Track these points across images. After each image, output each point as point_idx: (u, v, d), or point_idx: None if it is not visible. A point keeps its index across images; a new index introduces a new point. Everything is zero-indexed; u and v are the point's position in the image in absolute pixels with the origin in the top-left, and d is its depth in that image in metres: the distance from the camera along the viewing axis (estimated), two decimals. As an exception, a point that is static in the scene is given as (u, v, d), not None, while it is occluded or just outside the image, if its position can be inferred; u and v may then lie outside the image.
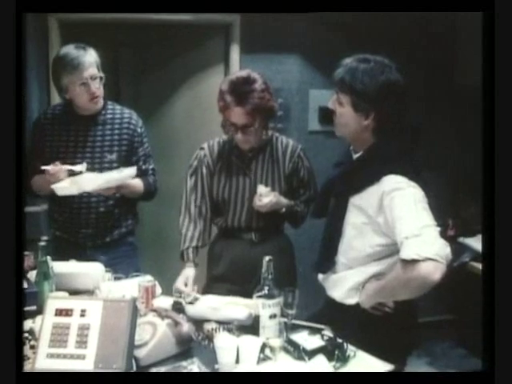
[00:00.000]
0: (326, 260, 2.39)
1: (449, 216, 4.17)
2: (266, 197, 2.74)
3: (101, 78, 2.98)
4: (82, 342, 1.94)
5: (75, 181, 2.83)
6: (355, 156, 2.37)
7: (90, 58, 2.93)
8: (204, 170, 2.94)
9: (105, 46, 4.33)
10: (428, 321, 4.13)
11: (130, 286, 2.54)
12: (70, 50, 2.93)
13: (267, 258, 2.21)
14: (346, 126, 2.30)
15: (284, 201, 2.85)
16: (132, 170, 2.99)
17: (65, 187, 2.82)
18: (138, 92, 4.82)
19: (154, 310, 2.27)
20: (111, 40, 4.44)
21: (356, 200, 2.28)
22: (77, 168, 2.88)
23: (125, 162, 3.06)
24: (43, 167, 2.84)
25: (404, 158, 2.24)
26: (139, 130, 3.15)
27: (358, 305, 2.29)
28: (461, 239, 4.06)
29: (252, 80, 2.71)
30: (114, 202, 3.10)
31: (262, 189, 2.76)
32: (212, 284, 2.98)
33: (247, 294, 2.51)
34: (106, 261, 2.89)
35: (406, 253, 2.03)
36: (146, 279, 2.54)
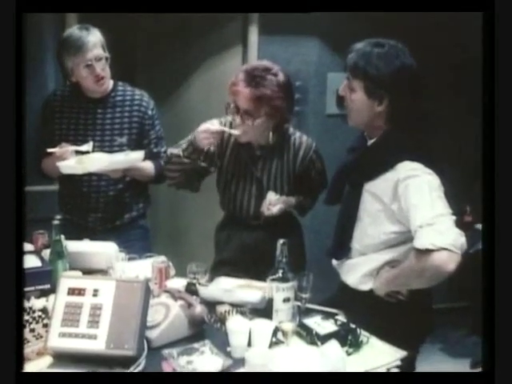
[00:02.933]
0: (340, 246, 2.38)
1: (466, 202, 4.12)
2: (275, 206, 2.70)
3: (106, 58, 2.93)
4: (94, 322, 1.94)
5: (81, 160, 2.82)
6: (369, 142, 2.33)
7: (93, 38, 2.87)
8: (212, 149, 2.83)
9: (121, 27, 4.39)
10: (443, 307, 4.10)
11: (144, 267, 2.54)
12: (73, 31, 2.89)
13: (281, 241, 2.19)
14: (359, 112, 2.27)
15: (292, 201, 2.82)
16: (139, 154, 2.96)
17: (70, 166, 2.81)
18: (154, 74, 4.83)
19: (167, 291, 2.26)
20: (128, 22, 4.38)
21: (371, 187, 2.25)
22: (83, 148, 2.86)
23: (135, 144, 3.03)
24: (50, 150, 2.82)
25: (419, 145, 2.21)
26: (150, 112, 3.10)
27: (371, 291, 2.27)
28: (478, 226, 4.01)
29: (274, 72, 2.63)
30: (124, 186, 3.08)
31: (271, 196, 2.72)
32: (219, 268, 2.93)
33: (253, 276, 2.52)
34: (117, 245, 2.85)
35: (420, 242, 2.01)
36: (160, 260, 2.54)
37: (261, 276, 2.36)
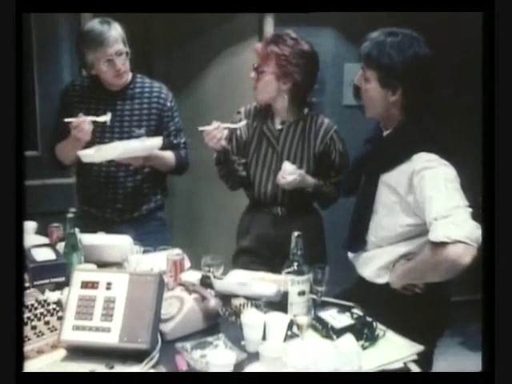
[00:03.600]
0: (356, 239, 2.35)
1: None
2: (290, 175, 2.67)
3: (127, 53, 2.92)
4: (107, 315, 1.93)
5: (99, 148, 2.83)
6: (385, 133, 2.30)
7: (114, 33, 2.86)
8: (239, 136, 2.94)
9: (137, 19, 4.37)
10: (462, 300, 4.06)
11: (159, 260, 2.53)
12: (95, 25, 2.87)
13: (296, 233, 2.16)
14: (373, 102, 2.24)
15: (311, 180, 2.79)
16: (157, 141, 2.94)
17: (89, 154, 2.81)
18: (170, 65, 4.85)
19: (182, 285, 2.24)
20: (143, 15, 4.37)
21: (386, 178, 2.22)
22: (101, 118, 2.86)
23: (154, 136, 3.01)
24: (67, 120, 2.79)
25: (435, 136, 2.18)
26: (169, 104, 3.10)
27: (387, 284, 2.24)
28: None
29: (296, 39, 2.74)
30: (143, 177, 3.07)
31: (287, 166, 2.70)
32: (239, 256, 2.99)
33: (272, 268, 2.53)
34: (135, 236, 2.85)
35: (435, 235, 1.97)
36: (175, 252, 2.52)
37: (279, 267, 2.33)
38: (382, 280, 2.25)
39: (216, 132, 2.70)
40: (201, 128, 2.70)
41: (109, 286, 1.99)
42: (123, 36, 2.91)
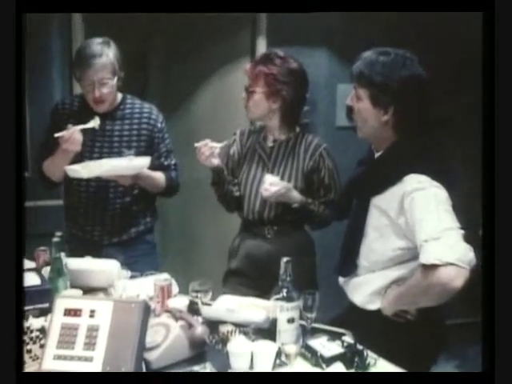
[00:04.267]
0: (347, 263, 2.30)
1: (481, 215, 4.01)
2: (273, 186, 2.64)
3: (118, 78, 2.88)
4: (90, 344, 1.88)
5: (86, 165, 2.78)
6: (376, 155, 2.27)
7: (105, 59, 2.80)
8: (231, 155, 2.96)
9: (131, 38, 4.37)
10: (458, 323, 4.01)
11: (146, 285, 2.47)
12: (91, 45, 2.82)
13: (285, 259, 2.11)
14: (365, 122, 2.21)
15: (297, 196, 2.74)
16: (144, 160, 2.89)
17: (76, 169, 2.75)
18: (163, 85, 4.86)
19: (168, 311, 2.19)
20: (137, 33, 4.43)
21: (378, 201, 2.18)
22: (89, 124, 2.81)
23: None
24: (57, 134, 2.71)
25: (428, 156, 2.13)
26: (159, 125, 3.06)
27: (380, 310, 2.19)
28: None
29: (284, 58, 2.76)
30: (132, 199, 3.03)
31: (269, 178, 2.67)
32: (228, 277, 2.97)
33: (261, 290, 2.53)
34: (123, 260, 2.81)
35: (426, 257, 1.93)
36: (162, 278, 2.47)
37: (268, 289, 2.31)
38: (373, 306, 2.20)
39: (204, 149, 2.71)
40: (195, 145, 2.72)
41: (92, 313, 1.94)
42: (116, 62, 2.85)
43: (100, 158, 2.91)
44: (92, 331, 1.90)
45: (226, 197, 2.93)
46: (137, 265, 2.86)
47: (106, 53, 2.81)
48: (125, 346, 1.86)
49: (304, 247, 2.91)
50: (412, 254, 2.09)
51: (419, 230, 1.98)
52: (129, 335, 1.88)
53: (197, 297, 2.35)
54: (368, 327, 2.16)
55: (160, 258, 4.94)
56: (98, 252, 2.85)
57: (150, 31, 4.58)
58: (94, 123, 2.83)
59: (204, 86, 4.61)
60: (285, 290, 2.10)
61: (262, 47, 4.14)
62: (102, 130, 2.94)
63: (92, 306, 1.95)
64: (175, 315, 2.13)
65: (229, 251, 3.03)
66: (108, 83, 2.85)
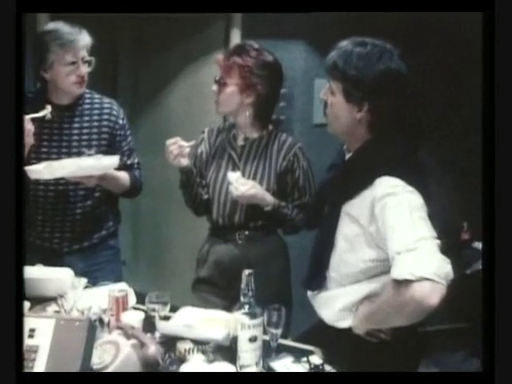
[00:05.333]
0: (316, 275, 2.09)
1: (463, 218, 3.85)
2: (242, 185, 2.48)
3: (90, 62, 2.71)
4: (27, 368, 1.69)
5: (49, 165, 2.57)
6: (347, 156, 2.08)
7: (84, 38, 2.66)
8: (199, 155, 2.78)
9: (101, 32, 4.20)
10: (439, 329, 3.87)
11: (100, 296, 2.28)
12: (63, 25, 2.65)
13: (247, 271, 1.93)
14: (337, 118, 2.02)
15: (269, 198, 2.57)
16: (113, 160, 2.71)
17: (37, 170, 2.55)
18: (135, 80, 4.71)
19: (120, 328, 2.00)
20: (108, 27, 4.26)
21: (349, 207, 1.98)
22: (40, 114, 2.59)
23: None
24: None
25: (403, 158, 1.94)
26: (121, 121, 2.86)
27: (351, 328, 2.00)
28: (476, 244, 3.74)
29: (259, 49, 2.61)
30: (93, 202, 2.83)
31: (232, 175, 2.52)
32: (197, 285, 2.80)
33: (231, 300, 2.35)
34: (85, 267, 2.68)
35: (398, 271, 1.73)
36: (118, 288, 2.29)
37: (238, 299, 2.09)
38: (344, 324, 2.00)
39: (173, 147, 2.55)
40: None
41: (31, 333, 1.76)
42: (89, 45, 2.71)
43: (58, 158, 2.69)
44: (30, 353, 1.72)
45: (195, 200, 2.74)
46: (99, 272, 2.74)
47: (83, 33, 2.68)
48: (67, 368, 1.69)
49: (277, 253, 2.74)
50: (386, 266, 1.88)
51: (391, 239, 1.79)
52: (72, 356, 1.72)
53: (154, 310, 2.17)
54: (338, 345, 1.99)
55: (130, 262, 4.89)
56: (57, 260, 2.65)
57: (116, 27, 4.43)
58: (46, 111, 2.61)
59: (176, 81, 4.43)
60: (247, 306, 1.92)
61: (236, 40, 3.94)
62: (60, 128, 2.75)
63: (31, 324, 1.77)
64: (127, 332, 1.94)
65: (197, 258, 2.85)
66: (86, 64, 2.70)
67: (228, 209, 2.66)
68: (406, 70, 1.96)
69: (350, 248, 1.97)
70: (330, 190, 2.11)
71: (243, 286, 1.93)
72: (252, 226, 2.66)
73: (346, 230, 1.98)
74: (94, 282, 2.57)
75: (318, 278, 2.08)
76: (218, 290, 2.68)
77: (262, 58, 2.59)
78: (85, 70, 2.69)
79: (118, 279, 2.77)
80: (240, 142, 2.69)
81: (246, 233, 2.66)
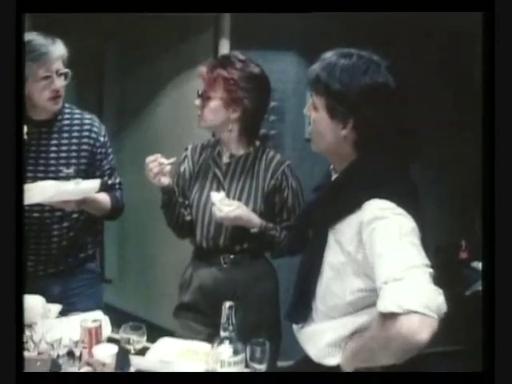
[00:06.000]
0: (301, 306, 1.92)
1: (461, 236, 3.70)
2: (226, 206, 2.34)
3: (66, 75, 2.55)
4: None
5: (26, 189, 2.36)
6: (334, 177, 1.94)
7: (59, 49, 2.50)
8: (182, 173, 2.65)
9: (87, 41, 4.11)
10: (433, 351, 3.72)
11: (72, 326, 2.12)
12: (35, 36, 2.48)
13: (228, 304, 1.78)
14: (321, 136, 1.88)
15: (256, 219, 2.42)
16: (93, 183, 2.54)
17: None
18: (121, 91, 4.62)
19: (89, 365, 1.85)
20: (94, 36, 4.17)
21: (335, 233, 1.83)
22: None
23: (85, 177, 2.61)
24: None
25: (392, 178, 1.80)
26: (102, 139, 2.70)
27: (339, 366, 1.83)
28: (475, 263, 3.58)
29: (245, 61, 2.48)
30: (70, 224, 2.66)
31: (215, 195, 2.38)
32: (179, 311, 2.63)
33: (216, 327, 2.10)
34: (62, 292, 2.55)
35: (384, 303, 1.58)
36: (91, 317, 2.13)
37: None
38: (332, 361, 1.82)
39: (153, 165, 2.42)
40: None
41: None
42: (65, 56, 2.54)
43: (34, 177, 2.53)
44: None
45: (177, 221, 2.60)
46: (77, 297, 2.62)
47: (57, 43, 2.52)
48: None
49: (265, 278, 2.58)
50: (376, 297, 1.72)
51: (378, 268, 1.64)
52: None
53: (128, 342, 2.01)
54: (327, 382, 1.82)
55: (116, 280, 4.76)
56: (32, 286, 2.46)
57: (100, 38, 4.34)
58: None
59: (164, 92, 4.32)
60: (227, 342, 1.77)
61: (225, 50, 3.82)
62: (37, 145, 2.59)
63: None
64: (96, 370, 1.79)
65: (180, 282, 2.70)
66: (62, 76, 2.54)
67: (212, 231, 2.52)
68: (394, 84, 1.82)
69: (336, 277, 1.82)
70: (315, 213, 1.95)
71: (223, 319, 1.79)
72: (238, 249, 2.51)
73: (332, 258, 1.83)
74: (71, 308, 2.45)
75: (303, 309, 1.92)
76: (202, 316, 2.53)
77: (249, 70, 2.46)
78: (60, 83, 2.53)
79: (97, 305, 2.64)
80: (225, 160, 2.55)
81: (232, 256, 2.51)
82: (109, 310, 4.89)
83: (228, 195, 2.44)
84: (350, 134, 1.81)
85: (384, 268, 1.63)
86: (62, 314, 2.35)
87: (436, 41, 4.02)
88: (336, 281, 1.82)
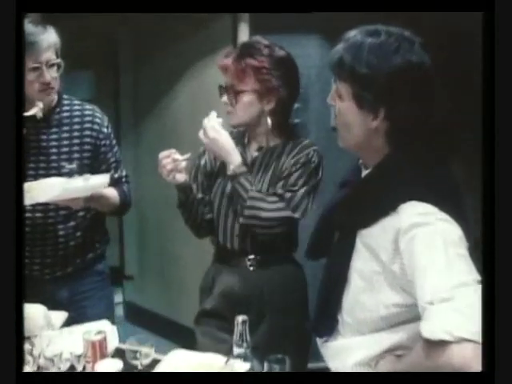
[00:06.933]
0: (326, 318, 1.70)
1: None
2: (213, 131, 2.21)
3: (59, 66, 2.38)
4: None
5: (30, 187, 2.25)
6: (364, 173, 1.71)
7: (49, 38, 2.32)
8: (202, 166, 2.45)
9: (102, 31, 4.08)
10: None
11: (75, 338, 1.94)
12: (26, 25, 2.28)
13: (241, 318, 1.59)
14: (348, 128, 1.65)
15: (235, 156, 2.23)
16: (103, 179, 2.39)
17: None
18: (137, 81, 4.52)
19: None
20: (109, 25, 4.03)
21: (366, 237, 1.61)
22: (30, 112, 2.32)
23: (89, 171, 2.44)
24: None
25: (433, 176, 1.57)
26: (105, 130, 2.53)
27: None
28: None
29: (270, 46, 2.27)
30: (76, 223, 2.50)
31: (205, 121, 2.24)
32: (201, 319, 2.43)
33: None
34: (71, 297, 2.44)
35: (430, 328, 1.36)
36: (95, 329, 1.94)
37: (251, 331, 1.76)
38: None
39: (166, 161, 2.24)
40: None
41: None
42: (58, 45, 2.38)
43: (35, 175, 2.39)
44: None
45: (196, 220, 2.40)
46: (88, 301, 2.51)
47: (48, 31, 2.35)
48: None
49: (294, 280, 2.38)
50: (413, 312, 1.51)
51: (421, 285, 1.42)
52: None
53: (135, 357, 1.82)
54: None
55: (136, 277, 4.66)
56: (39, 290, 2.32)
57: (115, 26, 4.22)
58: (37, 109, 2.34)
59: (183, 81, 4.16)
60: (241, 359, 1.57)
61: (244, 36, 3.63)
62: (36, 141, 2.43)
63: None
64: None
65: (200, 287, 2.50)
66: (55, 66, 2.37)
67: (237, 230, 2.31)
68: (431, 64, 1.59)
69: (367, 288, 1.59)
70: (342, 212, 1.73)
71: (236, 336, 1.61)
72: (265, 250, 2.31)
73: (362, 266, 1.61)
74: (81, 312, 2.36)
75: (327, 321, 1.70)
76: (227, 324, 2.25)
77: (276, 55, 2.26)
78: (50, 75, 2.35)
79: (108, 308, 2.57)
80: (253, 153, 2.35)
81: (258, 257, 2.31)
82: (130, 307, 4.85)
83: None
84: (382, 125, 1.58)
85: (428, 285, 1.41)
86: (72, 320, 2.21)
87: (436, 41, 3.84)
88: (367, 292, 1.60)
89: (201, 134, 2.23)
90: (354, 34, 1.61)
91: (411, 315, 1.52)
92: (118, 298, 4.73)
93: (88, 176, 2.35)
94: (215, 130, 2.21)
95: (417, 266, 1.44)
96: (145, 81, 4.40)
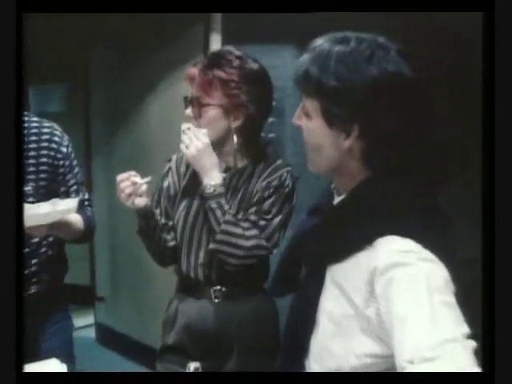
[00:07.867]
0: (291, 364, 1.51)
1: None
2: (196, 140, 2.07)
3: None
4: None
5: None
6: (336, 200, 1.52)
7: None
8: (165, 189, 2.30)
9: (74, 41, 4.11)
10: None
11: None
12: None
13: (192, 366, 1.44)
14: (318, 150, 1.44)
15: (216, 174, 2.10)
16: (72, 203, 2.21)
17: None
18: (109, 93, 4.53)
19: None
20: (81, 35, 4.13)
21: (336, 273, 1.41)
22: None
23: (45, 194, 2.29)
24: None
25: (417, 206, 1.38)
26: (65, 149, 2.36)
27: None
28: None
29: (241, 57, 2.13)
30: (31, 250, 2.32)
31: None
32: (163, 355, 2.28)
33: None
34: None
35: None
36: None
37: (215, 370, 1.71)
38: None
39: (124, 185, 2.07)
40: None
41: None
42: None
43: None
44: None
45: (158, 248, 2.25)
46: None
47: None
48: None
49: (264, 314, 2.24)
50: (388, 363, 1.32)
51: (400, 339, 1.23)
52: None
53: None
54: None
55: (108, 298, 4.58)
56: None
57: (86, 39, 4.26)
58: None
59: (154, 94, 4.15)
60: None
61: (217, 45, 3.60)
62: None
63: None
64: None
65: (163, 320, 2.35)
66: None
67: (202, 259, 2.17)
68: (410, 73, 1.39)
69: (337, 332, 1.39)
70: (310, 244, 1.54)
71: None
72: (232, 281, 2.18)
73: (332, 306, 1.41)
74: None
75: (293, 368, 1.52)
76: (190, 359, 2.16)
77: (248, 68, 2.12)
78: None
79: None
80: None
81: (224, 289, 2.18)
82: (101, 329, 4.78)
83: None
84: (357, 144, 1.38)
85: (408, 340, 1.21)
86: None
87: (436, 41, 3.81)
88: (336, 337, 1.40)
89: (182, 146, 2.11)
90: (320, 43, 1.42)
91: (387, 366, 1.33)
92: (90, 319, 4.75)
93: (56, 200, 2.20)
94: (201, 140, 2.07)
95: (395, 315, 1.25)
96: (116, 94, 4.38)
